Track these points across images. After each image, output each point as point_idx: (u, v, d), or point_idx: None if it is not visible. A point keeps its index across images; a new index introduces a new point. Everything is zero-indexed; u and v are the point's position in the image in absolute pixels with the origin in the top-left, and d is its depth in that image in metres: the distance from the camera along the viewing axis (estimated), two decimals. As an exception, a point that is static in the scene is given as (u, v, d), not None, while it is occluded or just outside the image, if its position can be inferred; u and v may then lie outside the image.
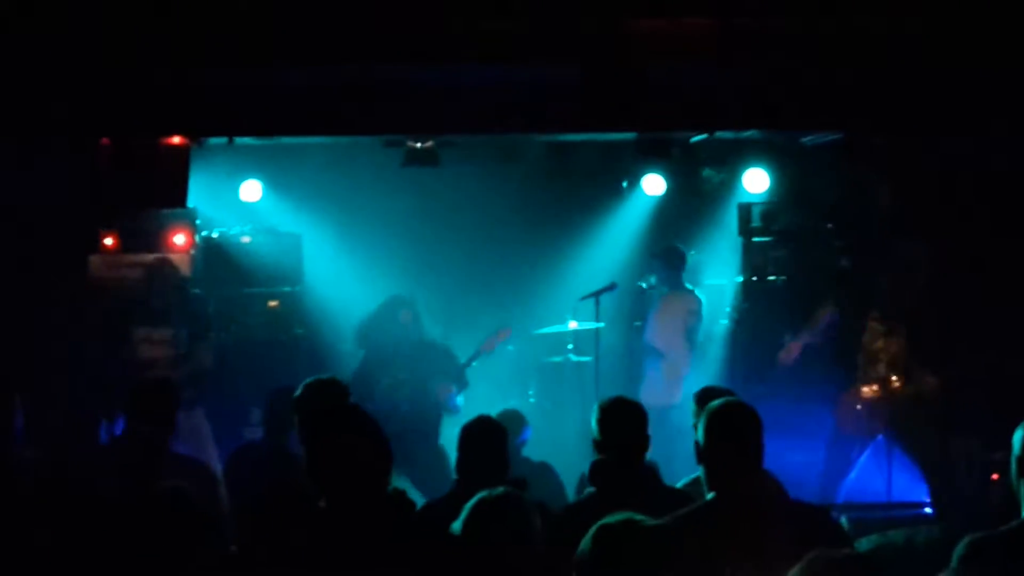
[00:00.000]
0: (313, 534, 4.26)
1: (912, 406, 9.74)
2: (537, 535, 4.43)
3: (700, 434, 5.03)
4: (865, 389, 9.82)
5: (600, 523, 3.63)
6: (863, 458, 9.97)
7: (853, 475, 9.96)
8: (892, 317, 9.81)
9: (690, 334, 10.95)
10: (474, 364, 10.29)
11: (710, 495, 4.97)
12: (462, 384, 10.05)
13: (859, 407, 9.77)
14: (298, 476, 4.81)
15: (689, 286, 11.08)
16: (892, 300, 9.91)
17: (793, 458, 10.11)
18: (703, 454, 5.02)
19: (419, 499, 9.39)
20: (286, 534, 4.30)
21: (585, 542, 3.61)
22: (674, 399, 10.52)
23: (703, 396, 6.23)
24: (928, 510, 9.22)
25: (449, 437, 8.59)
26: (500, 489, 4.51)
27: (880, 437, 9.89)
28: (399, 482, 9.29)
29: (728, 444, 4.97)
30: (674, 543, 3.63)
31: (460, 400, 10.06)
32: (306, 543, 4.26)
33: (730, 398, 5.42)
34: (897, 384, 9.81)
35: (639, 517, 3.68)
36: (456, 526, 4.46)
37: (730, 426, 5.01)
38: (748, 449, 5.00)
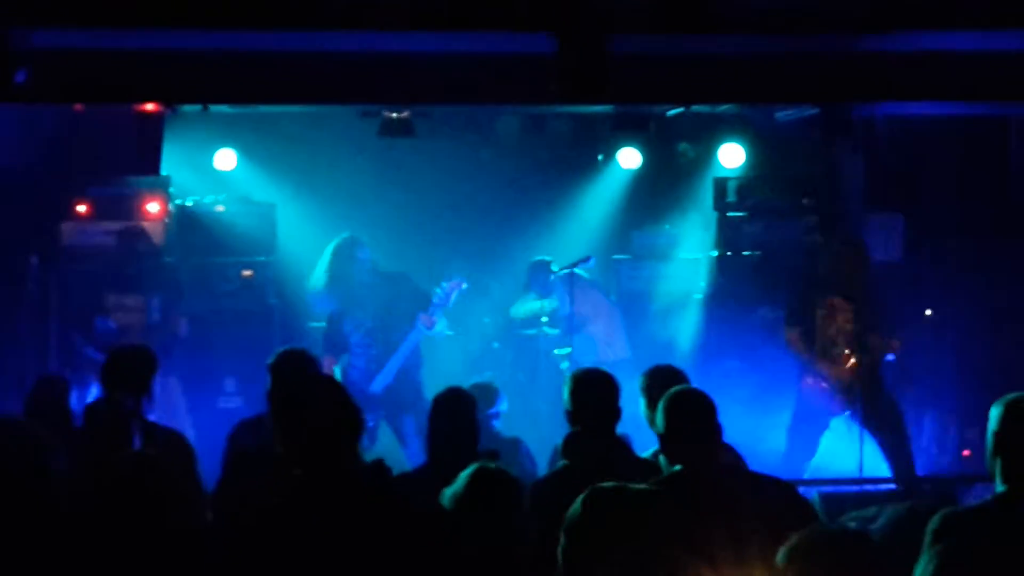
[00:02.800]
0: (288, 502, 4.26)
1: (871, 376, 9.82)
2: (523, 510, 4.51)
3: (659, 422, 5.11)
4: (828, 367, 9.86)
5: (592, 487, 3.66)
6: (826, 438, 10.02)
7: (818, 455, 10.02)
8: (842, 294, 9.88)
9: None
10: (445, 328, 10.27)
11: (676, 467, 5.03)
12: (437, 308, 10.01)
13: (824, 385, 9.82)
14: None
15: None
16: (839, 277, 9.97)
17: (764, 433, 10.18)
18: (665, 440, 5.12)
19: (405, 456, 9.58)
20: (263, 501, 4.31)
21: (576, 505, 3.63)
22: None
23: (653, 375, 6.22)
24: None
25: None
26: (495, 464, 4.62)
27: (845, 415, 9.95)
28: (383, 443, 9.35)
29: (688, 429, 5.07)
30: (663, 508, 3.64)
31: (443, 324, 10.07)
32: (281, 510, 4.26)
33: (684, 386, 5.49)
34: (856, 360, 9.88)
35: (631, 484, 3.71)
36: (451, 493, 4.52)
37: (688, 412, 5.11)
38: (708, 433, 5.10)
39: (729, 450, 5.94)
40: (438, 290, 9.95)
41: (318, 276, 10.17)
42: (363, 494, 4.27)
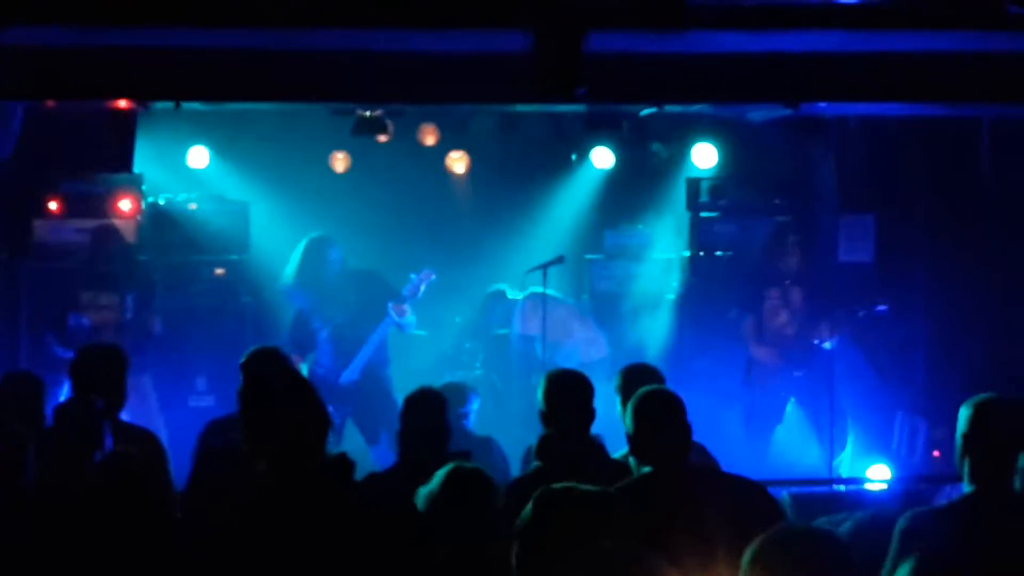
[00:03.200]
0: (253, 500, 4.26)
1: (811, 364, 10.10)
2: (497, 511, 4.52)
3: (628, 423, 5.10)
4: (775, 357, 10.14)
5: (541, 489, 3.67)
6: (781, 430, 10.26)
7: (775, 443, 10.22)
8: (781, 286, 10.14)
9: None
10: (414, 323, 10.28)
11: (646, 468, 5.01)
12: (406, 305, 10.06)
13: (772, 376, 10.13)
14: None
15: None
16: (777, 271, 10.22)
17: (735, 432, 10.23)
18: (634, 442, 5.08)
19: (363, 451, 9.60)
20: (229, 500, 4.30)
21: (527, 508, 3.64)
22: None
23: (628, 374, 6.25)
24: (872, 487, 9.36)
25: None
26: (471, 464, 4.63)
27: (791, 402, 10.21)
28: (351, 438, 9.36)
29: (657, 430, 5.05)
30: (614, 509, 3.65)
31: (414, 319, 10.11)
32: (247, 506, 4.26)
33: (653, 386, 5.47)
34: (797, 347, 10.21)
35: (581, 485, 3.72)
36: (427, 492, 4.52)
37: (657, 413, 5.09)
38: (677, 433, 5.07)
39: (700, 451, 5.96)
40: (409, 280, 9.99)
41: (288, 274, 10.19)
42: (326, 491, 4.26)
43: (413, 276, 10.04)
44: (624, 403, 5.86)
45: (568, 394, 5.76)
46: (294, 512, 4.19)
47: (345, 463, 4.33)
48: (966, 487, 4.60)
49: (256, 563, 4.15)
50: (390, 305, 9.93)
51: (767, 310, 10.22)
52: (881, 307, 10.60)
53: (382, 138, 11.21)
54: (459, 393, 8.49)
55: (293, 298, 10.23)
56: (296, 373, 4.82)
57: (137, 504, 4.71)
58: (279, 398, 4.34)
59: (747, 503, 4.93)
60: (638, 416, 5.08)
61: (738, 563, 3.43)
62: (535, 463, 5.71)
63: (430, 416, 6.07)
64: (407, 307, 9.99)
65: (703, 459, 5.94)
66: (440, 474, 4.62)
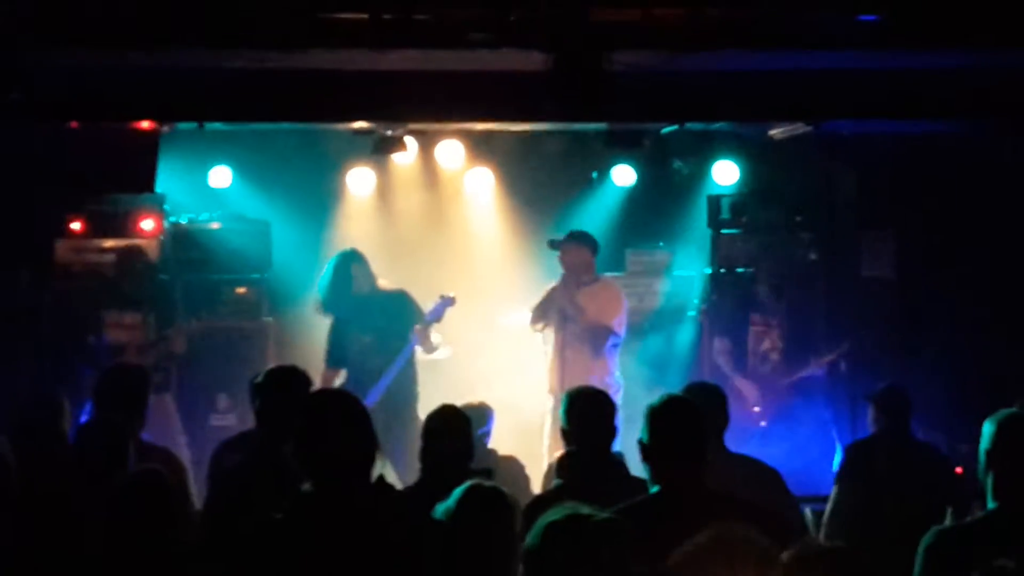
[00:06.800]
0: (296, 516, 4.26)
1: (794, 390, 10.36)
2: (518, 529, 4.51)
3: (643, 433, 4.96)
4: (753, 384, 10.21)
5: (546, 519, 3.62)
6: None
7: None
8: (768, 312, 10.15)
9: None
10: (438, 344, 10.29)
11: (654, 488, 4.91)
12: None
13: (748, 400, 10.17)
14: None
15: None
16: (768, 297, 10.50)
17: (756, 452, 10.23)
18: (647, 452, 4.93)
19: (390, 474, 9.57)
20: (266, 515, 4.30)
21: (533, 537, 3.61)
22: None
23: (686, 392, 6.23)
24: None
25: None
26: (490, 482, 4.61)
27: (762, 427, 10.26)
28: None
29: (670, 442, 4.87)
30: (622, 536, 3.62)
31: (439, 345, 10.13)
32: (289, 525, 4.26)
33: (672, 394, 5.37)
34: (781, 373, 10.25)
35: (586, 511, 3.66)
36: (443, 510, 4.52)
37: (672, 424, 4.91)
38: (689, 444, 4.89)
39: (723, 467, 5.91)
40: (437, 304, 10.00)
41: (319, 289, 10.18)
42: (371, 514, 4.26)
43: (438, 300, 10.04)
44: None
45: (590, 412, 5.76)
46: (337, 531, 4.19)
47: (384, 485, 4.34)
48: (990, 503, 4.58)
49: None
50: (414, 330, 9.93)
51: (751, 336, 10.31)
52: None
53: (403, 157, 11.25)
54: (478, 413, 8.47)
55: (323, 314, 10.20)
56: (349, 392, 4.80)
57: (162, 520, 4.74)
58: (332, 417, 4.35)
59: (762, 524, 4.82)
60: (653, 427, 4.92)
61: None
62: (556, 480, 5.71)
63: (452, 434, 6.07)
64: (431, 332, 10.00)
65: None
66: (458, 492, 4.61)
